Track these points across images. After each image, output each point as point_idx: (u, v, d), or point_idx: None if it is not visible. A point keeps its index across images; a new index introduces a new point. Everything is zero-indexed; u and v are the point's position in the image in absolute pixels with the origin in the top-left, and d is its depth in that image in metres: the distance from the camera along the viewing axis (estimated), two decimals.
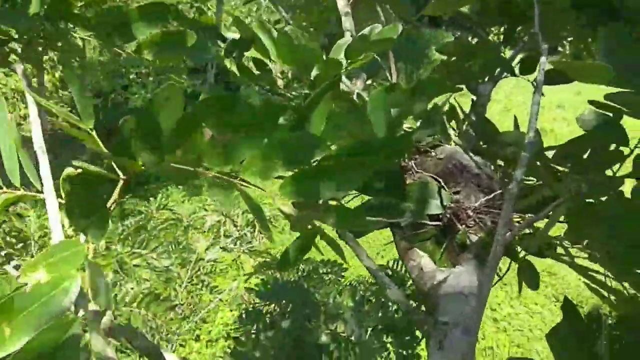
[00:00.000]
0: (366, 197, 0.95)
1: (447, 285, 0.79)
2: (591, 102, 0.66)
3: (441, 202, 0.92)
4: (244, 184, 0.56)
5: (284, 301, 2.39)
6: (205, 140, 0.53)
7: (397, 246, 0.95)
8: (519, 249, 0.96)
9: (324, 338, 2.25)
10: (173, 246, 3.81)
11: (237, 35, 0.95)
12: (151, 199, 4.51)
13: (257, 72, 0.98)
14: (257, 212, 0.59)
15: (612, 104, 0.60)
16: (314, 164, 0.57)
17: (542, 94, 0.92)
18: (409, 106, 1.03)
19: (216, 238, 4.64)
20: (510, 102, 9.27)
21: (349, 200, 1.06)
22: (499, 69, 1.30)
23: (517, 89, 9.46)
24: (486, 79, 1.36)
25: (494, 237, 0.66)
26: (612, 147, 0.67)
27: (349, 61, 1.12)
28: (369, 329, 2.46)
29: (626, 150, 0.64)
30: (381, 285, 0.79)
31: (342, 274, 3.14)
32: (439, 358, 0.65)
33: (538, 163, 0.77)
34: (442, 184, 0.97)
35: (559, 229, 0.92)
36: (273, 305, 2.59)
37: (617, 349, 0.49)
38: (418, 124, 1.13)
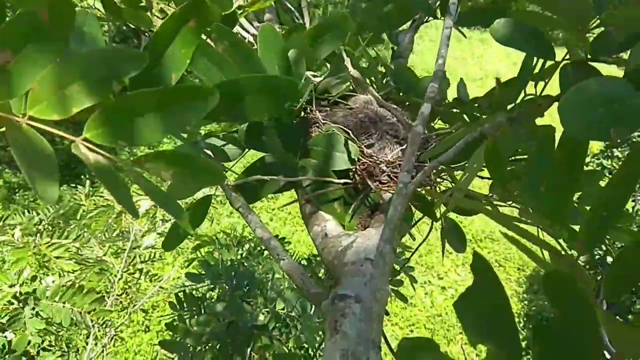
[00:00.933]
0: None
1: (352, 251, 0.66)
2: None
3: (349, 155, 0.78)
4: (35, 124, 0.39)
5: (217, 283, 2.25)
6: None
7: (301, 210, 0.81)
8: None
9: (261, 317, 2.13)
10: (105, 234, 3.57)
11: None
12: (79, 186, 4.22)
13: (124, 8, 0.80)
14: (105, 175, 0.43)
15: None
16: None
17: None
18: (311, 51, 0.89)
19: (152, 223, 4.41)
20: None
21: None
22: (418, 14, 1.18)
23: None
24: (407, 25, 1.24)
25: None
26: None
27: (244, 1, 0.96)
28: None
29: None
30: (273, 256, 0.65)
31: (286, 249, 3.02)
32: (335, 345, 0.52)
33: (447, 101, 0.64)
34: (352, 135, 0.83)
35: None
36: (206, 287, 2.45)
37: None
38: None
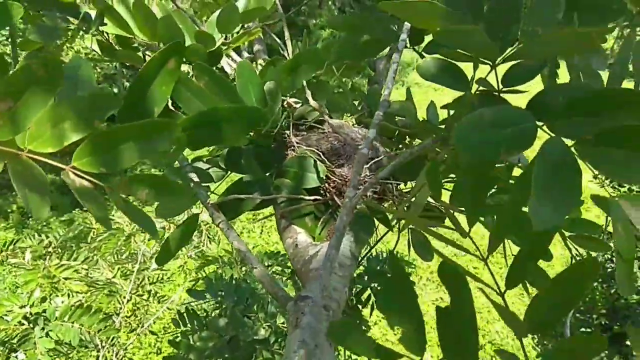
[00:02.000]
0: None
1: (317, 259, 0.75)
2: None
3: (318, 175, 0.88)
4: (33, 157, 0.49)
5: (220, 299, 2.32)
6: None
7: (277, 225, 0.90)
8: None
9: (262, 332, 2.20)
10: (115, 257, 3.66)
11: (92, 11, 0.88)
12: None
13: (119, 50, 0.91)
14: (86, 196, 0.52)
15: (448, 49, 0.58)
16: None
17: None
18: (289, 81, 0.98)
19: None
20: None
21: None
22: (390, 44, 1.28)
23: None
24: (382, 53, 1.34)
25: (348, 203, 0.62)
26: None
27: (228, 37, 1.07)
28: None
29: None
30: (248, 265, 0.74)
31: (288, 264, 3.10)
32: (294, 337, 0.61)
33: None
34: (323, 157, 0.93)
35: None
36: (212, 304, 2.52)
37: None
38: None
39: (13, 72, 0.47)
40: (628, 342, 3.72)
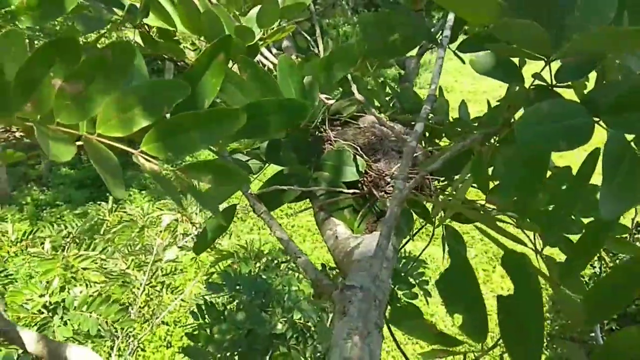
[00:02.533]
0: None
1: (359, 251, 0.76)
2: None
3: (357, 169, 0.89)
4: (103, 140, 0.51)
5: (235, 293, 2.34)
6: (55, 92, 0.48)
7: (316, 217, 0.92)
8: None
9: (279, 326, 2.22)
10: (128, 248, 3.69)
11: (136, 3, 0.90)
12: (103, 202, 4.37)
13: (161, 42, 0.93)
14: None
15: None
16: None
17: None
18: (324, 76, 1.00)
19: (174, 237, 4.51)
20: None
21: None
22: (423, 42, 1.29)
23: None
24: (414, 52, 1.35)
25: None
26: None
27: (264, 32, 1.08)
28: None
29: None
30: (291, 254, 0.75)
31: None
32: (343, 324, 0.62)
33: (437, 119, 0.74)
34: (361, 151, 0.94)
35: None
36: (226, 297, 2.54)
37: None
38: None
39: (84, 59, 0.49)
40: None
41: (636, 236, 4.09)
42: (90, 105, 0.51)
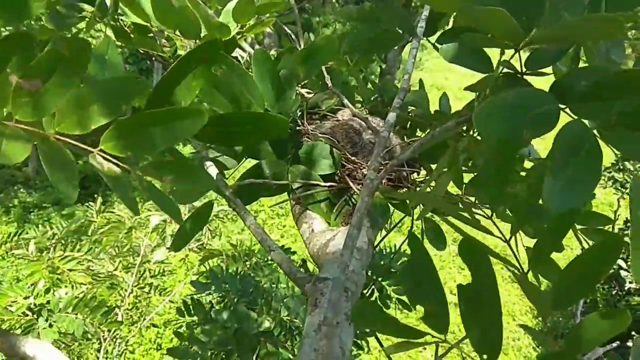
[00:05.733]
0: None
1: (334, 243, 0.76)
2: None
3: (333, 161, 0.88)
4: (61, 139, 0.50)
5: (225, 292, 2.33)
6: (11, 88, 0.47)
7: (292, 211, 0.91)
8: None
9: (266, 324, 2.21)
10: (116, 250, 3.66)
11: None
12: (91, 203, 4.34)
13: (134, 36, 0.92)
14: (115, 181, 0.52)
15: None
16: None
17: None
18: (303, 69, 0.99)
19: (162, 238, 4.47)
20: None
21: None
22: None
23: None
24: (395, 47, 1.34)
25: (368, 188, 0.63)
26: None
27: (241, 27, 1.07)
28: None
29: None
30: (265, 248, 0.75)
31: (293, 257, 3.10)
32: (314, 316, 0.62)
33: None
34: (338, 145, 0.93)
35: None
36: (216, 296, 2.52)
37: None
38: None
39: (40, 55, 0.48)
40: (629, 343, 3.74)
41: (625, 231, 4.13)
42: (48, 101, 0.50)
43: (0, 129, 0.48)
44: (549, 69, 0.62)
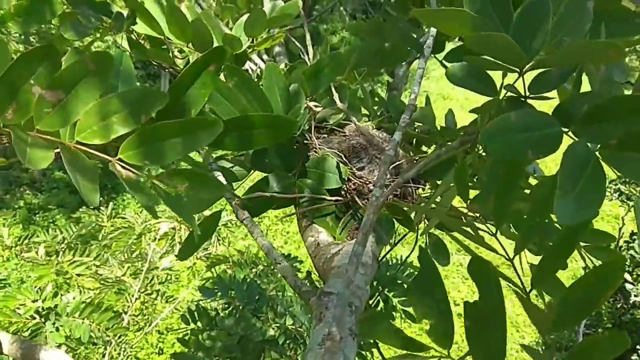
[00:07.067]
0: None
1: (339, 257, 0.77)
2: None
3: (340, 176, 0.90)
4: (81, 148, 0.52)
5: (230, 298, 2.34)
6: (34, 99, 0.49)
7: (298, 224, 0.92)
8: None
9: (271, 332, 2.21)
10: (125, 255, 3.68)
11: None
12: (102, 208, 4.37)
13: (149, 48, 0.94)
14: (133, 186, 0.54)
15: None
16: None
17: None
18: (311, 84, 1.01)
19: (171, 245, 4.49)
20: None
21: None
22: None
23: None
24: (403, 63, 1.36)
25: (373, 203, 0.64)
26: None
27: (253, 41, 1.09)
28: None
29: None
30: (272, 261, 0.76)
31: (299, 267, 3.11)
32: (318, 330, 0.63)
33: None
34: (344, 159, 0.95)
35: None
36: (222, 303, 2.53)
37: None
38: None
39: (65, 67, 0.50)
40: (633, 358, 3.70)
41: (631, 244, 4.10)
42: (70, 112, 0.52)
43: (24, 138, 0.50)
44: (551, 94, 0.63)
